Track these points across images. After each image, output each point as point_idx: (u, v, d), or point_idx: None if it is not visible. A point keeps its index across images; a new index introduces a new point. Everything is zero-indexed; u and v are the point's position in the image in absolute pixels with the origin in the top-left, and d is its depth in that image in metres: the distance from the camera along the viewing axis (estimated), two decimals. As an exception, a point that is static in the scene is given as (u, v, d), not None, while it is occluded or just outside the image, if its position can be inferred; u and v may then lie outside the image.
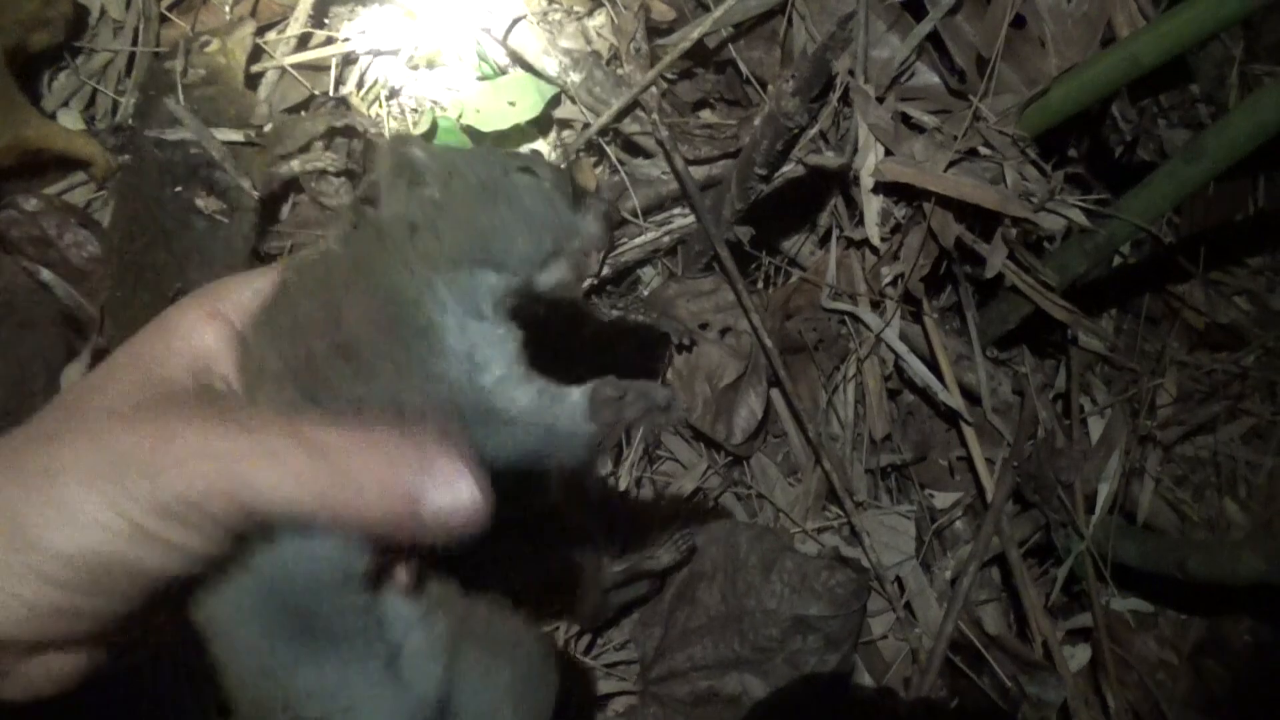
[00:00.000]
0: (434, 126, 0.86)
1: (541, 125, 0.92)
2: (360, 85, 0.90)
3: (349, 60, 0.89)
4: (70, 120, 0.84)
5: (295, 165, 0.85)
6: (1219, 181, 1.13)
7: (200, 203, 0.80)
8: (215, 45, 0.85)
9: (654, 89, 0.84)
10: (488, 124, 0.87)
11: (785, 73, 0.63)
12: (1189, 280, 1.16)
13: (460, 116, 0.87)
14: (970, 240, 0.86)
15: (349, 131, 0.87)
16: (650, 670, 0.81)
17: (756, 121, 0.70)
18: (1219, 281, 1.21)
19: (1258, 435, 1.15)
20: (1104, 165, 1.06)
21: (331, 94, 0.88)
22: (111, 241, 0.78)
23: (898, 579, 0.89)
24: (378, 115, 0.89)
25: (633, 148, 0.89)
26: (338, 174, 0.86)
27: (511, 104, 0.88)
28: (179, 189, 0.79)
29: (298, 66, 0.88)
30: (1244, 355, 1.13)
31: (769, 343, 0.82)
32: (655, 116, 0.81)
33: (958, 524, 0.94)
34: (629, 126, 0.88)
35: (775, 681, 0.80)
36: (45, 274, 0.76)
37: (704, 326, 0.87)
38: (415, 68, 0.92)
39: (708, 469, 0.89)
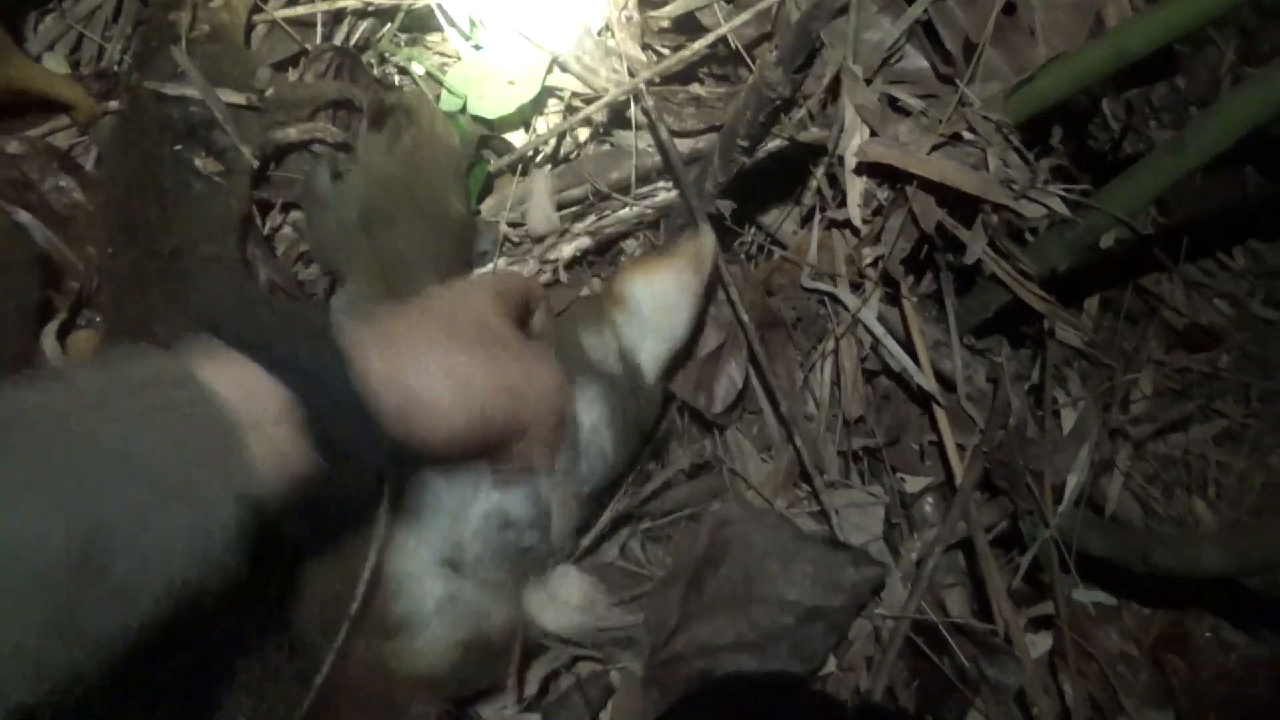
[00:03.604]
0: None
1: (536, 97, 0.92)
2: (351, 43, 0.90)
3: (338, 18, 0.89)
4: (55, 64, 0.83)
5: (293, 133, 0.85)
6: (1207, 179, 1.14)
7: (199, 163, 0.79)
8: (219, 1, 0.84)
9: (644, 58, 0.84)
10: (493, 110, 0.88)
11: (770, 44, 0.63)
12: (1170, 279, 1.16)
13: (464, 106, 0.88)
14: (951, 226, 0.87)
15: (348, 105, 0.87)
16: (656, 654, 0.81)
17: (741, 93, 0.71)
18: (1201, 283, 1.22)
19: (1230, 437, 1.16)
20: (1091, 161, 1.07)
21: (327, 44, 0.87)
22: (110, 195, 0.78)
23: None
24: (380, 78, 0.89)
25: (618, 118, 0.89)
26: (336, 146, 0.86)
27: (511, 83, 0.88)
28: (178, 147, 0.78)
29: (289, 21, 0.88)
30: (1219, 355, 1.14)
31: (744, 316, 0.83)
32: (641, 86, 0.81)
33: (927, 507, 0.95)
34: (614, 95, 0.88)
35: (773, 664, 0.80)
36: (23, 215, 0.76)
37: None
38: (407, 30, 0.92)
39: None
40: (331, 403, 0.49)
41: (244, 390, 0.46)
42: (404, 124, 0.80)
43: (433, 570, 0.65)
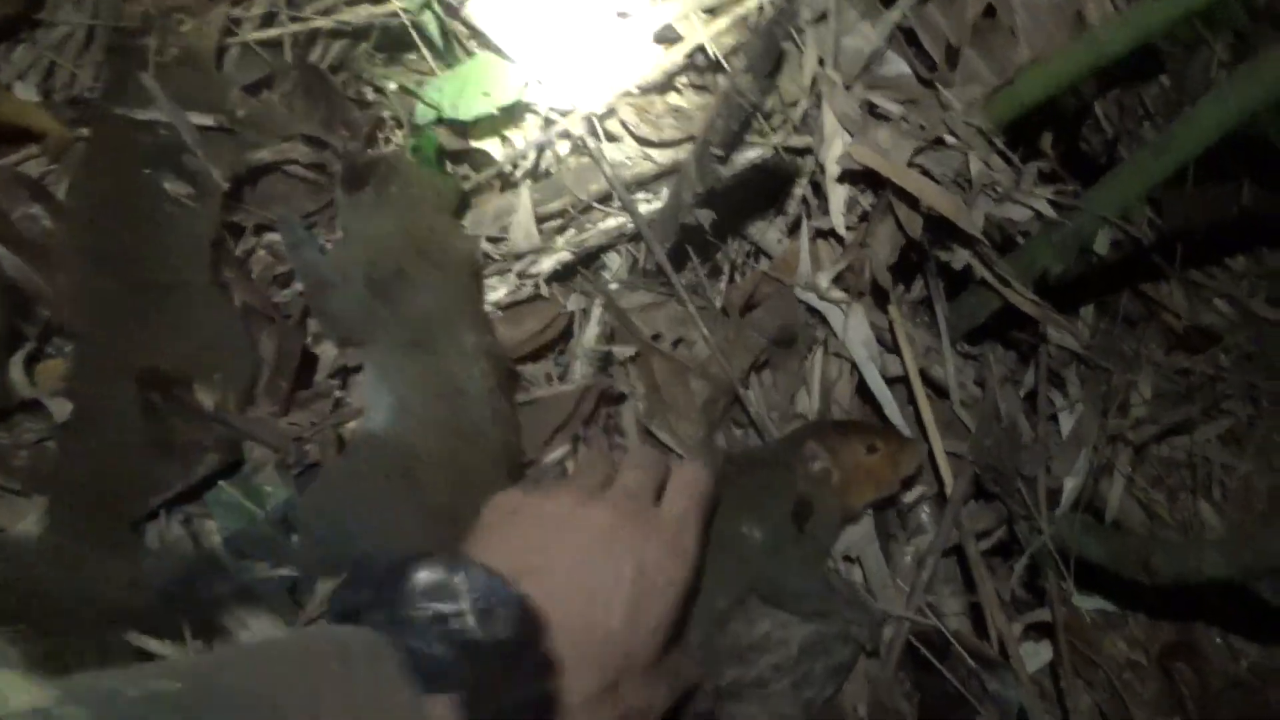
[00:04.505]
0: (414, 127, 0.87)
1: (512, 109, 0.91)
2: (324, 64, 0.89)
3: (312, 39, 0.88)
4: (26, 92, 0.83)
5: (265, 154, 0.84)
6: (1202, 184, 1.12)
7: (168, 186, 0.78)
8: (190, 25, 0.84)
9: (621, 69, 0.83)
10: (469, 113, 0.86)
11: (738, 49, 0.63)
12: (1169, 282, 1.15)
13: (440, 118, 0.87)
14: (936, 235, 0.86)
15: (320, 143, 0.86)
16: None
17: (713, 102, 0.70)
18: (1200, 284, 1.21)
19: (1235, 438, 1.14)
20: (1084, 165, 1.05)
21: (293, 64, 0.87)
22: (79, 220, 0.77)
23: (861, 569, 0.88)
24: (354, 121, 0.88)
25: (599, 130, 0.88)
26: (308, 166, 0.85)
27: (486, 94, 0.87)
28: (148, 171, 0.78)
29: (263, 44, 0.87)
30: (1219, 354, 1.12)
31: (730, 371, 0.82)
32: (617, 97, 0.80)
33: (923, 516, 0.93)
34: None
35: (775, 705, 0.79)
36: (-7, 245, 0.75)
37: (656, 338, 0.86)
38: (382, 49, 0.91)
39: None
40: None
41: None
42: (388, 175, 0.78)
43: None
